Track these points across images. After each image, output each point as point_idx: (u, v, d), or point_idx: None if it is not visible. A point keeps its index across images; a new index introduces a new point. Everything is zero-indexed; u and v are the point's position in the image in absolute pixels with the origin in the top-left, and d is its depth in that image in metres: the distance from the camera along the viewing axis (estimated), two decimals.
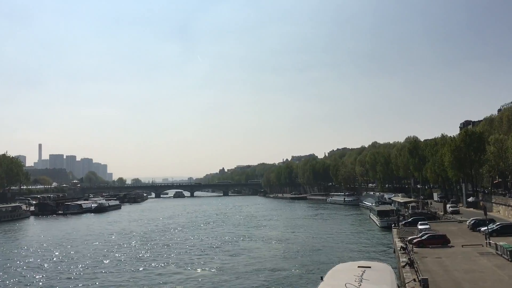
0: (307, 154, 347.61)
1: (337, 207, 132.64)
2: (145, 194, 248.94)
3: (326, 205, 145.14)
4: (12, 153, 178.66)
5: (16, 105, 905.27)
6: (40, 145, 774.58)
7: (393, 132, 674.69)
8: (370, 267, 21.04)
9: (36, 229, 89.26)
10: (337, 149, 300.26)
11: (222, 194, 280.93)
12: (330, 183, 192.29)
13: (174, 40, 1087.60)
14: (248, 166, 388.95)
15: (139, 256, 51.17)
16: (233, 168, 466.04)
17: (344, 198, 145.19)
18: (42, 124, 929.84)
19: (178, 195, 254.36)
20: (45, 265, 47.05)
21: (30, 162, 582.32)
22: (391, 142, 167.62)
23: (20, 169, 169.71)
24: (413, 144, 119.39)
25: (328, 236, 66.16)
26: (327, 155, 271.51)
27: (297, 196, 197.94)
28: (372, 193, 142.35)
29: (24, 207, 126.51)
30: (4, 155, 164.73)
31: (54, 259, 50.92)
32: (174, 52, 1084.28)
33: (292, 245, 58.22)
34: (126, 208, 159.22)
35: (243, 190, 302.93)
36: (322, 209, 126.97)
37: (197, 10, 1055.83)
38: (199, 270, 42.86)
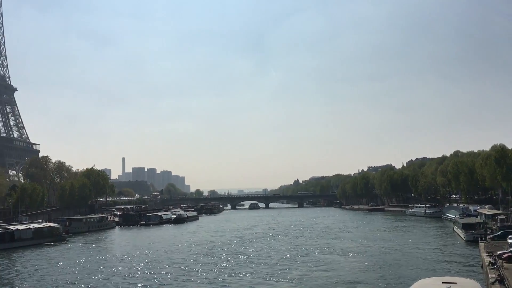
0: (384, 164, 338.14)
1: (417, 219, 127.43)
2: (221, 206, 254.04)
3: (405, 217, 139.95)
4: (99, 166, 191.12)
5: (103, 121, 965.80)
6: (123, 159, 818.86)
7: (476, 141, 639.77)
8: (455, 283, 20.05)
9: (121, 239, 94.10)
10: (416, 158, 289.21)
11: (296, 206, 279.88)
12: (409, 194, 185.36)
13: (247, 54, 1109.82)
14: (323, 177, 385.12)
15: (218, 266, 52.24)
16: (308, 179, 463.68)
17: (425, 210, 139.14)
18: (125, 139, 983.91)
19: (253, 207, 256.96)
20: (134, 273, 49.38)
21: (115, 175, 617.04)
22: (475, 151, 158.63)
23: (106, 182, 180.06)
24: (500, 152, 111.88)
25: (409, 249, 63.72)
26: (405, 165, 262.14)
27: (374, 207, 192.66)
28: (455, 204, 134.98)
29: (110, 217, 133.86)
30: (92, 168, 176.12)
31: (141, 266, 53.35)
32: (248, 66, 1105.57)
33: (370, 257, 56.71)
34: (204, 219, 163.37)
35: (318, 202, 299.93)
36: (401, 221, 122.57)
37: (270, 24, 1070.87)
38: (277, 281, 42.94)
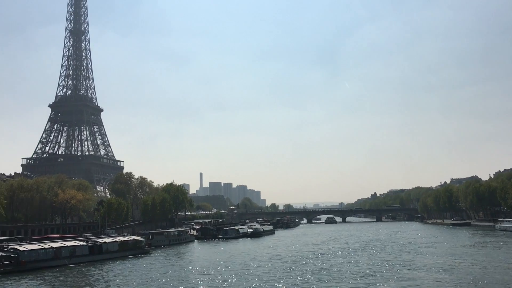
0: (468, 176, 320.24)
1: (508, 235, 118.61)
2: (297, 220, 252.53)
3: (494, 232, 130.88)
4: (178, 181, 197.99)
5: (181, 138, 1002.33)
6: (201, 174, 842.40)
7: None
8: None
9: (200, 252, 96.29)
10: (504, 169, 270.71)
11: (375, 220, 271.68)
12: (498, 208, 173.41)
13: (320, 66, 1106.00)
14: (402, 190, 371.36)
15: (298, 281, 51.74)
16: (386, 192, 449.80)
17: None
18: (202, 154, 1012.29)
19: (329, 221, 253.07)
20: (217, 286, 50.24)
21: (193, 189, 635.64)
22: None
23: (185, 196, 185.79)
24: None
25: (500, 268, 59.33)
26: (492, 176, 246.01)
27: (459, 222, 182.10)
28: None
29: (189, 231, 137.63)
30: (171, 184, 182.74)
31: (223, 280, 54.25)
32: (321, 78, 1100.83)
33: (457, 275, 53.45)
34: (280, 233, 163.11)
35: (397, 216, 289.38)
36: (490, 237, 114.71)
37: (342, 34, 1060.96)
38: None
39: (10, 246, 70.83)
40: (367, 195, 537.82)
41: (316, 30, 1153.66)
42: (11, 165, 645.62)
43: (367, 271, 58.47)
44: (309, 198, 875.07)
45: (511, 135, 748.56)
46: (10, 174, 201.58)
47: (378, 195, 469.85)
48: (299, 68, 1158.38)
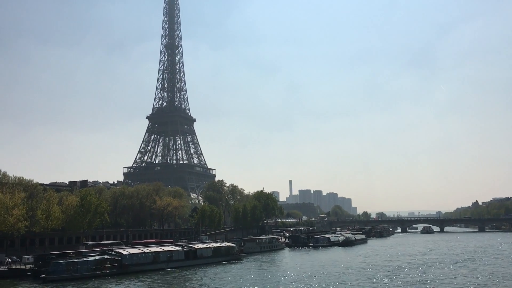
0: None
1: None
2: (390, 229, 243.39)
3: None
4: (268, 189, 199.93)
5: (272, 145, 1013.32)
6: (290, 182, 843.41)
7: None
8: None
9: (292, 260, 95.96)
10: None
11: (477, 230, 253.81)
12: None
13: (411, 70, 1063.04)
14: (507, 198, 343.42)
15: None
16: (489, 200, 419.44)
17: None
18: (292, 162, 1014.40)
19: (426, 230, 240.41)
20: None
21: (282, 197, 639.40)
22: None
23: (275, 204, 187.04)
24: None
25: None
26: None
27: None
28: None
29: (279, 238, 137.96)
30: (262, 191, 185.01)
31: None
32: (413, 82, 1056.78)
33: None
34: (373, 242, 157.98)
35: (502, 226, 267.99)
36: None
37: (435, 36, 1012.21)
38: None
39: (114, 250, 75.70)
40: (468, 203, 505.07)
41: (407, 33, 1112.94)
42: (115, 174, 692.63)
43: (471, 284, 54.45)
44: (403, 206, 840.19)
45: None
46: (114, 182, 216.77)
47: (480, 203, 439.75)
48: (391, 71, 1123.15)
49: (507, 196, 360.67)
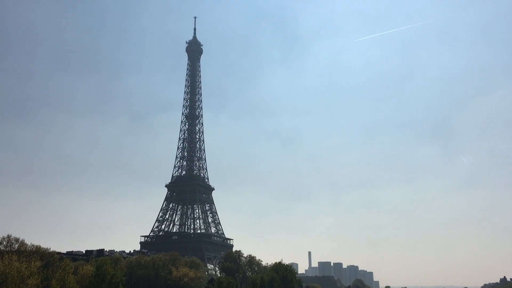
0: None
1: None
2: None
3: None
4: (286, 260, 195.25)
5: (290, 216, 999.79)
6: (309, 253, 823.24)
7: None
8: None
9: None
10: None
11: None
12: None
13: (432, 140, 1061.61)
14: None
15: None
16: None
17: None
18: (311, 232, 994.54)
19: None
20: None
21: (301, 269, 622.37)
22: None
23: (293, 276, 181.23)
24: None
25: None
26: None
27: None
28: None
29: None
30: (280, 263, 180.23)
31: None
32: (434, 153, 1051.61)
33: None
34: None
35: None
36: None
37: (455, 107, 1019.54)
38: None
39: None
40: (496, 279, 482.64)
41: (425, 104, 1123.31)
42: (132, 243, 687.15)
43: None
44: (428, 280, 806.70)
45: None
46: (130, 251, 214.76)
47: (508, 279, 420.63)
48: (410, 142, 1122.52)
49: None
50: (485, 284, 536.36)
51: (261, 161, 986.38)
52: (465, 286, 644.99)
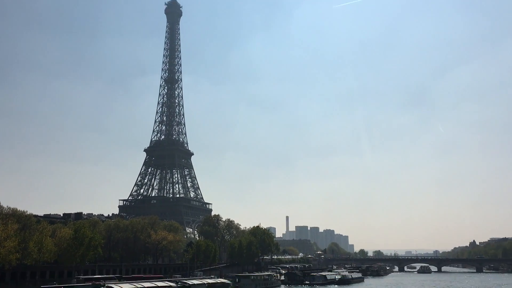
0: None
1: None
2: (387, 267, 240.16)
3: None
4: (264, 224, 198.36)
5: (269, 181, 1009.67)
6: (287, 217, 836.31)
7: None
8: None
9: None
10: None
11: (474, 271, 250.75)
12: None
13: (409, 109, 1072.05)
14: (505, 239, 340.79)
15: None
16: (486, 240, 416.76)
17: None
18: (289, 198, 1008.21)
19: (423, 270, 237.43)
20: None
21: (279, 233, 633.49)
22: None
23: (271, 240, 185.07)
24: None
25: None
26: None
27: None
28: None
29: (275, 275, 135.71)
30: (258, 227, 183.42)
31: None
32: (410, 121, 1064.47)
33: None
34: (369, 281, 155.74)
35: (500, 267, 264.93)
36: None
37: (432, 76, 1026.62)
38: None
39: (106, 285, 74.32)
40: (465, 243, 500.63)
41: (406, 72, 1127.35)
42: (110, 207, 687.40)
43: None
44: (401, 244, 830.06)
45: None
46: (108, 215, 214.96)
47: (477, 243, 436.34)
48: (390, 110, 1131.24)
49: (504, 237, 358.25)
50: (455, 248, 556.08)
51: (241, 127, 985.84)
52: (436, 249, 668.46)
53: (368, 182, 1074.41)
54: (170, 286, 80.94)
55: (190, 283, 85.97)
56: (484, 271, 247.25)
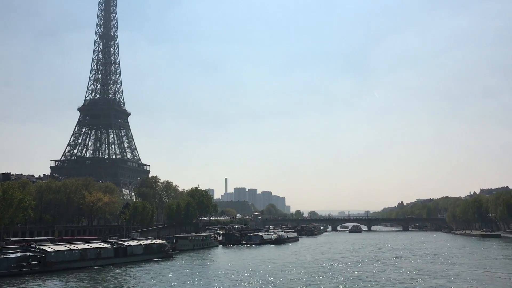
0: (499, 186, 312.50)
1: None
2: (321, 227, 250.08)
3: None
4: (203, 186, 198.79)
5: (208, 143, 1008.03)
6: (226, 179, 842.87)
7: None
8: None
9: (224, 257, 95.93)
10: None
11: (401, 229, 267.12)
12: None
13: (347, 74, 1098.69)
14: (430, 200, 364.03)
15: None
16: (413, 201, 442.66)
17: None
18: (228, 160, 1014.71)
19: (355, 229, 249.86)
20: None
21: (217, 195, 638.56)
22: None
23: (209, 202, 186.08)
24: None
25: None
26: None
27: (488, 233, 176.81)
28: None
29: (213, 236, 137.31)
30: (196, 188, 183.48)
31: (245, 284, 53.53)
32: (349, 86, 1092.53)
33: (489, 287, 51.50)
34: (304, 240, 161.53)
35: (424, 226, 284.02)
36: None
37: (370, 43, 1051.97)
38: None
39: (37, 247, 71.83)
40: (394, 204, 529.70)
41: (344, 38, 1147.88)
42: (41, 167, 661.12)
43: (396, 280, 56.90)
44: (335, 206, 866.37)
45: None
46: (39, 175, 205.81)
47: (405, 204, 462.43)
48: (329, 75, 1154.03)
49: (429, 198, 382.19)
50: (384, 208, 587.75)
51: (180, 88, 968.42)
52: (367, 210, 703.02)
53: (305, 145, 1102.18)
54: (106, 247, 79.59)
55: (127, 244, 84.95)
56: (410, 229, 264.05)
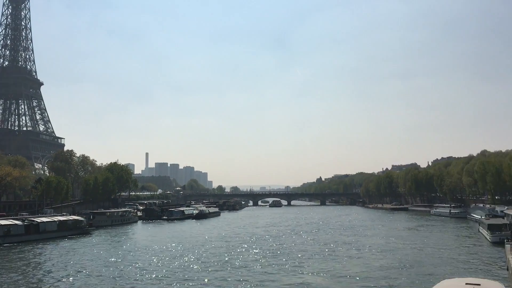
0: (408, 163, 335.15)
1: (442, 219, 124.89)
2: (243, 202, 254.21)
3: (429, 217, 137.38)
4: (123, 161, 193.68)
5: (128, 116, 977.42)
6: (147, 154, 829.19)
7: (505, 140, 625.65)
8: (479, 284, 19.18)
9: (143, 233, 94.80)
10: (442, 158, 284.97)
11: (319, 204, 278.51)
12: (434, 194, 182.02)
13: (272, 51, 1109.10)
14: (346, 175, 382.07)
15: (238, 261, 51.87)
16: (331, 177, 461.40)
17: (450, 210, 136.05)
18: (149, 134, 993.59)
19: (275, 204, 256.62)
20: (153, 266, 49.52)
21: (138, 170, 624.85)
22: (503, 150, 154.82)
23: (129, 176, 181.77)
24: None
25: (433, 249, 62.22)
26: (430, 164, 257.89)
27: (397, 207, 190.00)
28: (481, 205, 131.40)
29: (133, 212, 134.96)
30: (115, 163, 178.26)
31: (161, 260, 53.42)
32: (272, 63, 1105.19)
33: (393, 255, 55.58)
34: (226, 215, 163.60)
35: (340, 200, 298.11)
36: (425, 221, 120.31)
37: (294, 21, 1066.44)
38: (301, 276, 42.30)
39: None
40: (313, 179, 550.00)
41: (268, 15, 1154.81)
42: None
43: (311, 251, 59.54)
44: (256, 181, 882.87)
45: (448, 125, 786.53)
46: None
47: (323, 179, 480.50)
48: (253, 52, 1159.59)
49: (346, 173, 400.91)
50: (304, 183, 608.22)
51: (99, 58, 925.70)
52: (288, 185, 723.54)
53: (228, 121, 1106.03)
54: (16, 224, 75.58)
55: (39, 220, 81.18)
56: (327, 204, 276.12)
